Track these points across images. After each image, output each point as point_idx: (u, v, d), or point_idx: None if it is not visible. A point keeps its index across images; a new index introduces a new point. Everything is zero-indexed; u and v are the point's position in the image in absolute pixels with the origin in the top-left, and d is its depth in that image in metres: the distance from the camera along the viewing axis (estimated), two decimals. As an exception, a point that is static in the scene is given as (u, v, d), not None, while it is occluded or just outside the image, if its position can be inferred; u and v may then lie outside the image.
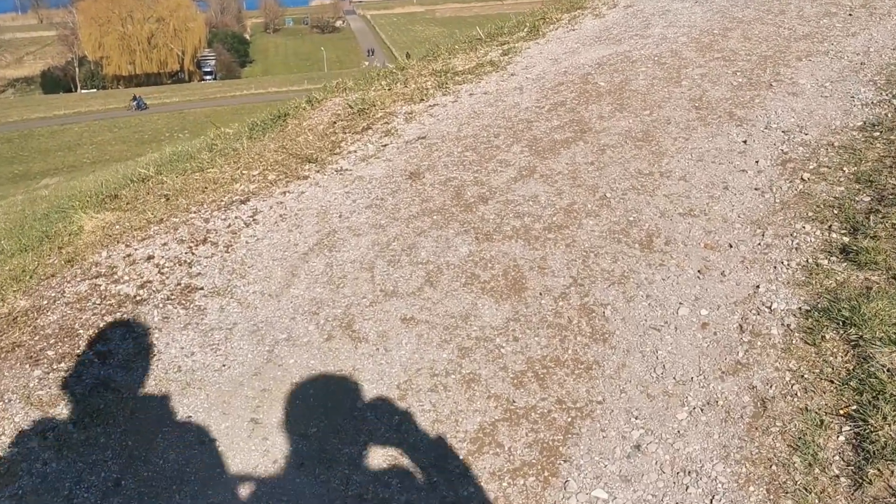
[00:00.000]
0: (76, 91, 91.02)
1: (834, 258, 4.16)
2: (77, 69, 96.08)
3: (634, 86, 6.61)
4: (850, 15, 7.34)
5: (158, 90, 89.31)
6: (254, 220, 5.28)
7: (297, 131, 7.56)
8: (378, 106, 7.35)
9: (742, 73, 6.55)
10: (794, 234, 4.46)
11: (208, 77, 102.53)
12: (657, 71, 6.81)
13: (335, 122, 7.37)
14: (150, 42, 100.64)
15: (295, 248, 4.86)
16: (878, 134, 5.23)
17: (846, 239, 4.29)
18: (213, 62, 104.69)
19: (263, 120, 8.77)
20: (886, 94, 5.81)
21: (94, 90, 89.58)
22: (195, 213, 5.52)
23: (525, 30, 9.75)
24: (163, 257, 4.89)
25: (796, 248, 4.34)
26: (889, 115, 5.43)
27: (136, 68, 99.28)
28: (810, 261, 4.19)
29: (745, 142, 5.53)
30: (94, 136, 63.21)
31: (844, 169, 4.94)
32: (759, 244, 4.46)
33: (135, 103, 70.57)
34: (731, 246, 4.50)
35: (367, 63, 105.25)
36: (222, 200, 5.69)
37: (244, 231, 5.13)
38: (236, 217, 5.33)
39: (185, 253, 4.90)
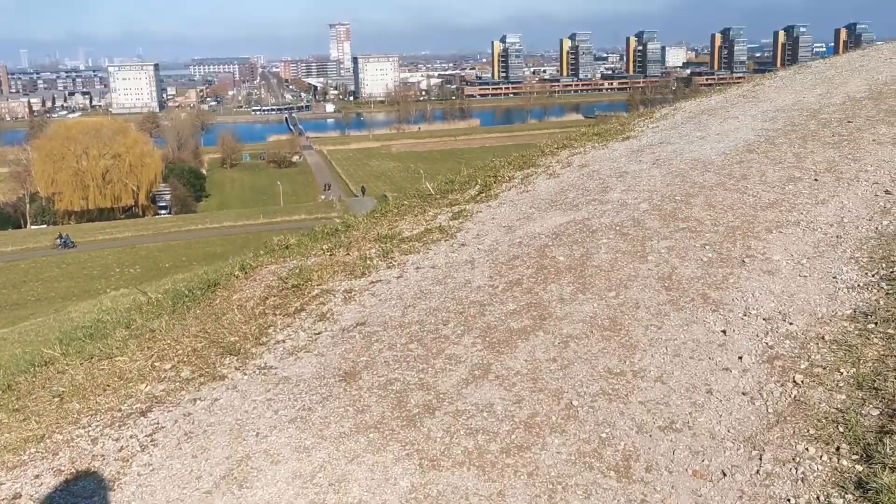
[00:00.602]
0: (26, 227, 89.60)
1: (849, 496, 3.44)
2: (28, 205, 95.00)
3: (597, 260, 6.03)
4: (816, 180, 6.98)
5: (111, 225, 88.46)
6: (152, 440, 4.40)
7: (224, 307, 6.79)
8: (315, 280, 6.65)
9: (711, 246, 6.03)
10: (797, 458, 3.74)
11: (163, 212, 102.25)
12: (620, 243, 6.26)
13: (266, 299, 6.62)
14: (105, 178, 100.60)
15: (197, 484, 3.97)
16: (872, 326, 4.64)
17: (859, 467, 3.58)
18: (168, 197, 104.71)
19: (192, 288, 8.01)
20: (872, 275, 5.28)
21: (45, 226, 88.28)
22: (85, 427, 4.62)
23: (476, 187, 9.31)
24: (31, 498, 3.95)
25: (802, 480, 3.61)
26: (881, 303, 4.87)
27: (88, 203, 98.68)
28: (822, 499, 3.46)
29: (723, 332, 4.90)
30: (40, 272, 61.56)
31: (842, 370, 4.30)
32: (758, 472, 3.72)
33: (60, 242, 68.69)
34: (724, 474, 3.76)
35: (322, 197, 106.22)
36: (121, 409, 4.81)
37: (138, 457, 4.23)
38: (132, 436, 4.44)
39: (60, 492, 3.97)
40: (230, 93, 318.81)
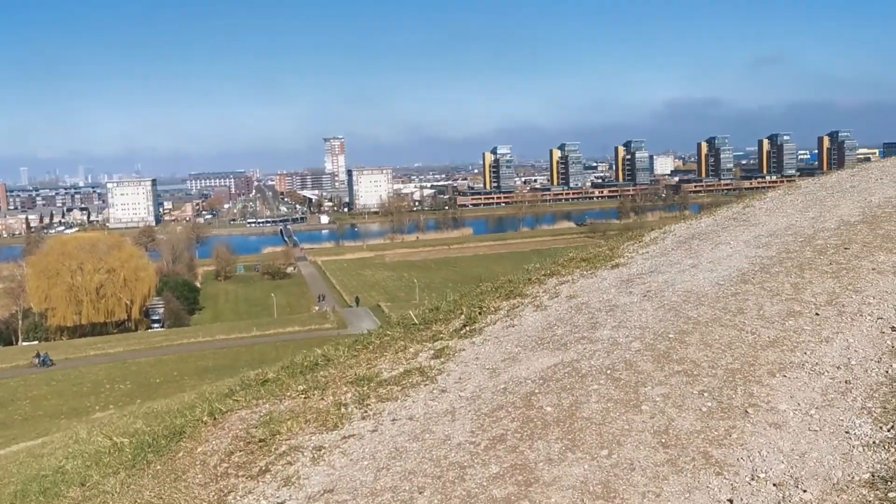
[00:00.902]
0: (17, 343, 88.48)
1: None
2: (20, 321, 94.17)
3: (587, 411, 5.55)
4: (818, 314, 6.59)
5: (103, 340, 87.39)
6: None
7: (187, 462, 6.25)
8: (284, 434, 6.13)
9: (710, 392, 5.57)
10: None
11: (156, 325, 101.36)
12: (612, 390, 5.80)
13: (231, 454, 6.09)
14: (99, 292, 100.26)
15: None
16: (893, 495, 4.14)
17: None
18: (161, 310, 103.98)
19: (157, 435, 7.47)
20: (888, 429, 4.81)
21: (36, 342, 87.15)
22: None
23: (461, 318, 8.90)
24: None
25: None
26: (902, 466, 4.38)
27: (82, 318, 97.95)
28: None
29: (730, 501, 4.39)
30: (29, 389, 60.17)
31: (867, 553, 3.78)
32: None
33: (38, 360, 67.31)
34: None
35: (316, 308, 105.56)
36: None
37: None
38: None
39: None
40: (226, 206, 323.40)
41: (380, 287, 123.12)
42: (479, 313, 8.62)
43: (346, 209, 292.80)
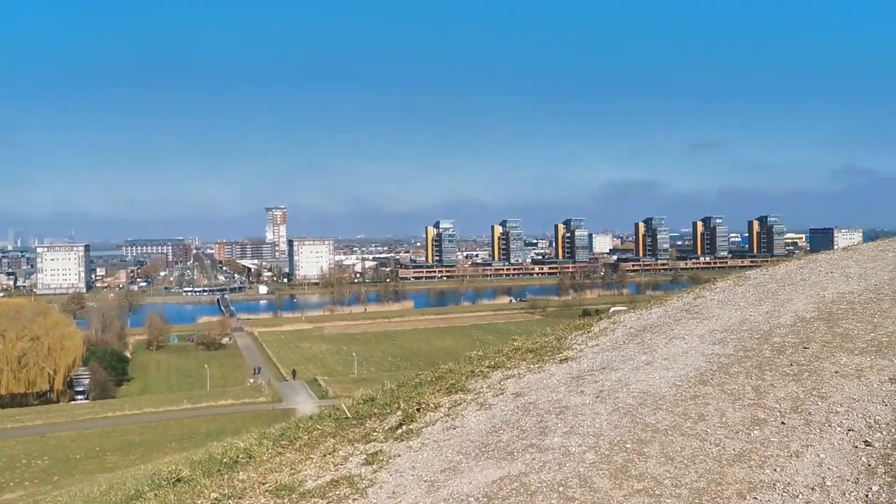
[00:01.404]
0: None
1: None
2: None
3: (537, 540, 4.85)
4: (784, 423, 6.08)
5: (22, 412, 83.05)
6: None
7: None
8: (186, 560, 5.26)
9: (675, 517, 4.94)
10: None
11: (80, 397, 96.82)
12: (565, 512, 5.12)
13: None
14: (21, 361, 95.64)
15: None
16: None
17: None
18: (86, 381, 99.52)
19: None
20: (878, 570, 4.24)
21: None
22: None
23: (397, 413, 8.16)
24: None
25: None
26: None
27: (0, 388, 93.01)
28: None
29: None
30: (-63, 464, 56.46)
31: None
32: None
33: None
34: None
35: (251, 380, 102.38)
36: None
37: None
38: None
39: None
40: (162, 273, 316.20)
41: (318, 360, 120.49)
42: (418, 410, 7.90)
43: (285, 280, 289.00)
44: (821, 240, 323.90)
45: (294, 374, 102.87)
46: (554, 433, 6.37)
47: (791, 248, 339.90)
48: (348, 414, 9.09)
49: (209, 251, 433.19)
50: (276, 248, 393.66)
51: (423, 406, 7.97)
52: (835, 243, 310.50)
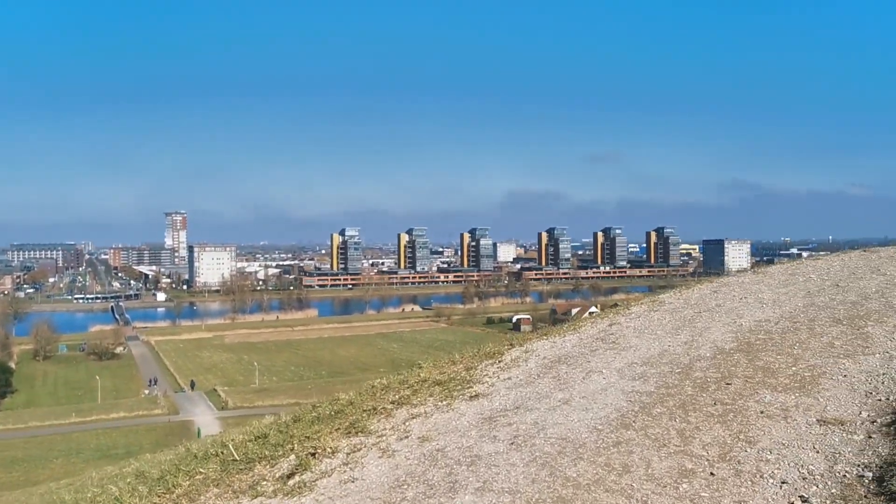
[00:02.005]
0: None
1: None
2: None
3: None
4: (713, 474, 5.58)
5: None
6: None
7: None
8: None
9: None
10: None
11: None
12: None
13: None
14: None
15: None
16: None
17: None
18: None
19: None
20: None
21: None
22: None
23: (290, 458, 7.32)
24: None
25: None
26: None
27: None
28: None
29: None
30: None
31: None
32: None
33: None
34: None
35: (146, 392, 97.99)
36: None
37: None
38: None
39: None
40: (52, 280, 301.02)
41: (217, 370, 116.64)
42: (313, 455, 7.08)
43: (185, 287, 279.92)
44: (713, 251, 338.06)
45: (193, 384, 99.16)
46: (465, 490, 5.68)
47: (685, 258, 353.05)
48: (236, 455, 8.18)
49: (104, 257, 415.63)
50: (176, 254, 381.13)
51: (319, 451, 7.15)
52: (725, 254, 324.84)
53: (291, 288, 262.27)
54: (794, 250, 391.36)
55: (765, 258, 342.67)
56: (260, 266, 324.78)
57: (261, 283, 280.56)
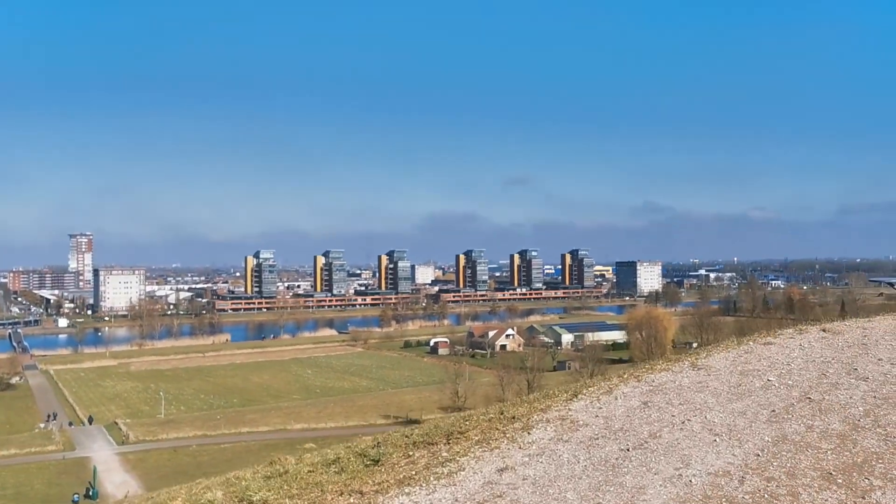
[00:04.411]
0: None
1: None
2: None
3: None
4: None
5: None
6: None
7: None
8: None
9: None
10: None
11: None
12: None
13: None
14: None
15: None
16: None
17: None
18: None
19: None
20: None
21: None
22: None
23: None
24: None
25: None
26: None
27: None
28: None
29: None
30: None
31: None
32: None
33: None
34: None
35: (42, 426, 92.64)
36: None
37: None
38: None
39: None
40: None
41: (121, 400, 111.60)
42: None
43: (90, 312, 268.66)
44: (626, 272, 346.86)
45: (90, 419, 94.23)
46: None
47: (599, 279, 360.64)
48: None
49: (2, 280, 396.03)
50: (81, 277, 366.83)
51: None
52: (638, 275, 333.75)
53: (204, 312, 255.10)
54: (703, 271, 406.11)
55: (675, 279, 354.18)
56: (171, 290, 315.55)
57: (172, 307, 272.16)
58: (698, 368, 10.03)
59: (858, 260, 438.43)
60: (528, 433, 8.71)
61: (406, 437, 9.89)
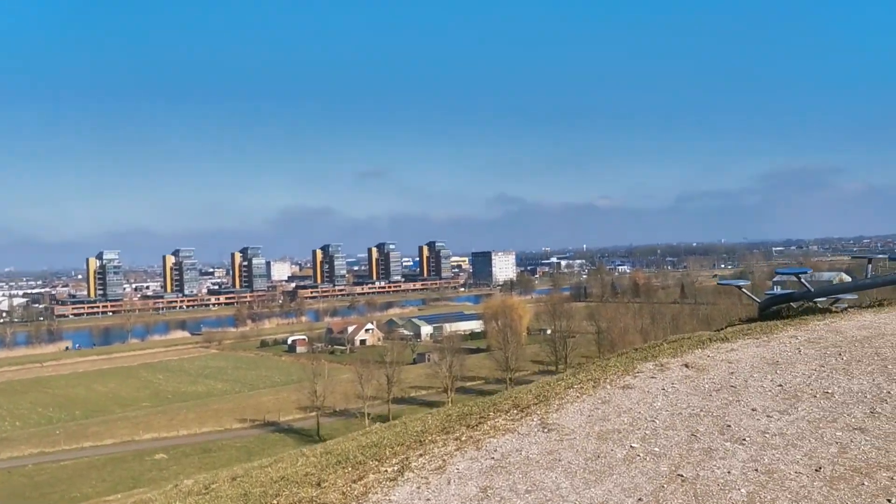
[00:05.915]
0: None
1: None
2: None
3: None
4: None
5: None
6: None
7: None
8: None
9: None
10: None
11: None
12: None
13: None
14: None
15: None
16: None
17: None
18: None
19: None
20: None
21: None
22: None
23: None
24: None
25: None
26: None
27: None
28: None
29: None
30: None
31: None
32: None
33: None
34: None
35: None
36: None
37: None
38: None
39: None
40: None
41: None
42: None
43: None
44: (482, 262, 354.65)
45: None
46: None
47: (456, 270, 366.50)
48: None
49: None
50: None
51: None
52: (493, 265, 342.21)
53: (41, 318, 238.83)
54: (554, 259, 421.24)
55: (528, 267, 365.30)
56: (3, 295, 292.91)
57: (4, 314, 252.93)
58: (549, 429, 7.96)
59: (695, 244, 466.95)
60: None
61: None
